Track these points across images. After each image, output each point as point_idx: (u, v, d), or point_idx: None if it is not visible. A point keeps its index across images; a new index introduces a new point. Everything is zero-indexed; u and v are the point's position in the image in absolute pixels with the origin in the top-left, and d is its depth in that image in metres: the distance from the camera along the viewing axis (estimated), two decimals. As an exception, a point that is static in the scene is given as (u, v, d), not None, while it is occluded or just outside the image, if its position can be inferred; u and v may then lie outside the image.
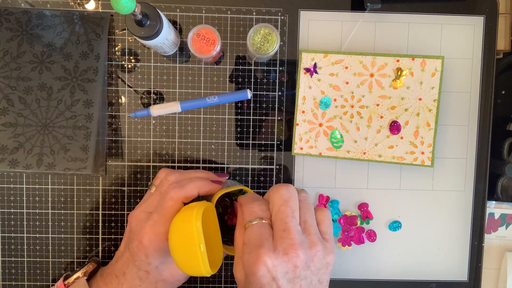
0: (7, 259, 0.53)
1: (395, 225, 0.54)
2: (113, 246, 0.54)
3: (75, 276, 0.47)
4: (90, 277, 0.48)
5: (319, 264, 0.37)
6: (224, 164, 0.53)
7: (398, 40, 0.53)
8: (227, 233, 0.49)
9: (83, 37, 0.50)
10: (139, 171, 0.53)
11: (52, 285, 0.50)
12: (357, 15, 0.53)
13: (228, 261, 0.54)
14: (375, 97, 0.52)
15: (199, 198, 0.45)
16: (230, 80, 0.53)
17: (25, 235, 0.53)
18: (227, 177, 0.51)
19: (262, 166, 0.54)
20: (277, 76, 0.53)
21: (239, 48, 0.53)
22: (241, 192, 0.49)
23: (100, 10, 0.52)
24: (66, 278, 0.48)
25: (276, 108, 0.53)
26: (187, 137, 0.53)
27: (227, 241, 0.48)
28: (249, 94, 0.52)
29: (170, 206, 0.42)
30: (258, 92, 0.53)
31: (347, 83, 0.52)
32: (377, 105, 0.52)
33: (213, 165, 0.54)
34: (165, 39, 0.46)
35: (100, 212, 0.53)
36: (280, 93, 0.53)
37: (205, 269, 0.37)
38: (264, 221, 0.37)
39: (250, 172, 0.54)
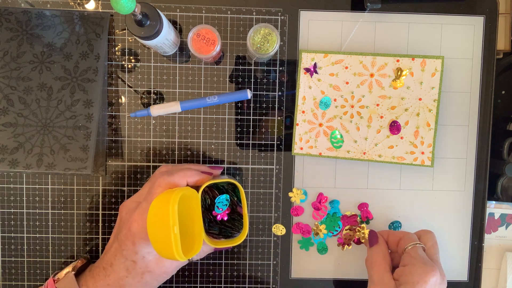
0: (7, 259, 0.53)
1: (395, 225, 0.54)
2: (113, 246, 0.54)
3: (64, 271, 0.47)
4: (79, 273, 0.48)
5: None
6: (224, 164, 0.53)
7: (398, 40, 0.53)
8: (215, 226, 0.49)
9: (83, 37, 0.50)
10: (139, 171, 0.53)
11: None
12: (357, 15, 0.53)
13: (228, 261, 0.54)
14: (375, 97, 0.52)
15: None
16: (230, 80, 0.53)
17: (25, 235, 0.53)
18: (221, 170, 0.51)
19: (262, 166, 0.54)
20: (277, 76, 0.53)
21: (239, 48, 0.53)
22: (231, 185, 0.49)
23: (100, 10, 0.52)
24: (56, 275, 0.48)
25: (276, 108, 0.53)
26: (187, 137, 0.53)
27: (213, 233, 0.49)
28: (249, 94, 0.52)
29: (158, 193, 0.43)
30: (258, 92, 0.53)
31: (347, 83, 0.52)
32: (377, 105, 0.52)
33: (213, 166, 0.53)
34: (165, 39, 0.46)
35: (100, 212, 0.53)
36: (280, 93, 0.53)
37: (177, 252, 0.37)
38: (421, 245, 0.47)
39: (250, 172, 0.54)
